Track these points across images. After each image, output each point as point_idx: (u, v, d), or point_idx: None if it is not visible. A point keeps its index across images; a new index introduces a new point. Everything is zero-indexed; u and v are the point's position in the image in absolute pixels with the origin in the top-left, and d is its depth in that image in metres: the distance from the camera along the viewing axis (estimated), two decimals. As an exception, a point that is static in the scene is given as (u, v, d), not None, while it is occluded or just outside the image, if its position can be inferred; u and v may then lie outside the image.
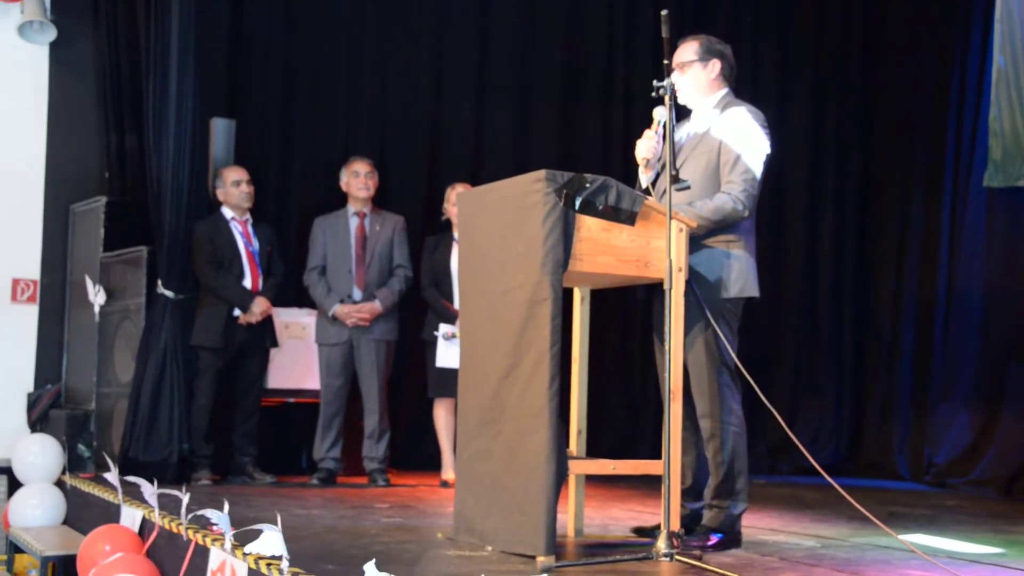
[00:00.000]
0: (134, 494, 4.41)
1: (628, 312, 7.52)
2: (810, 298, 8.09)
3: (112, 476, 4.57)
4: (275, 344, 6.12)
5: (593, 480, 5.70)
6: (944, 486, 6.92)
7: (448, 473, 5.94)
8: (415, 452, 6.93)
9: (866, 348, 8.04)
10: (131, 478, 4.27)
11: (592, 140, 7.72)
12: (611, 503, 5.29)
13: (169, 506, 4.05)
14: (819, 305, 8.09)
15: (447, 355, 5.84)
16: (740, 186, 3.75)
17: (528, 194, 3.43)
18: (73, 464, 5.91)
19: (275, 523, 2.96)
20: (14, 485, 5.81)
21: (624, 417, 7.70)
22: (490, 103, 7.57)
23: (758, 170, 3.79)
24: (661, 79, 3.53)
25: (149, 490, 4.07)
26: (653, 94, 3.46)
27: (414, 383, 6.67)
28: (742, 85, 7.58)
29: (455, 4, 7.46)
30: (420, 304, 6.24)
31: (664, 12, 3.36)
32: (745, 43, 7.97)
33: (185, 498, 3.79)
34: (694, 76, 4.00)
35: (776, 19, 8.11)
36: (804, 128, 8.10)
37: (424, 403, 6.31)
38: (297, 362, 6.40)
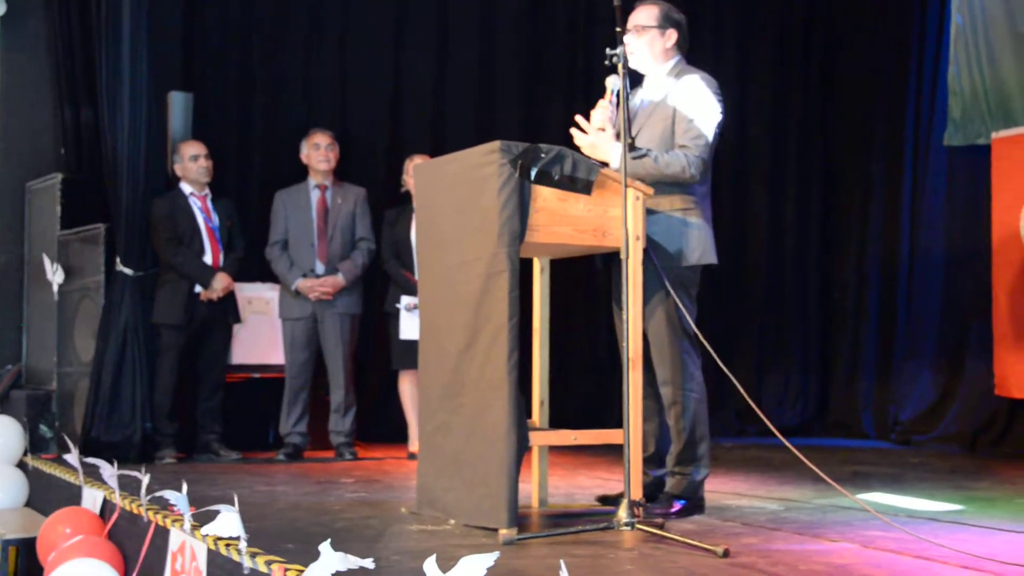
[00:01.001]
0: (95, 475, 4.37)
1: (593, 279, 7.50)
2: (775, 260, 8.12)
3: (73, 457, 4.52)
4: (238, 320, 6.07)
5: (560, 448, 5.71)
6: (909, 443, 6.99)
7: (414, 445, 5.93)
8: (382, 424, 6.90)
9: (831, 308, 8.09)
10: (91, 459, 4.23)
11: (555, 111, 7.61)
12: (578, 471, 5.30)
13: (130, 486, 4.02)
14: (784, 267, 8.13)
15: (410, 327, 5.81)
16: (693, 149, 3.74)
17: (483, 165, 3.40)
18: (35, 445, 5.86)
19: (234, 502, 2.93)
20: (-25, 468, 5.75)
21: (592, 385, 7.71)
22: (451, 74, 7.49)
23: (710, 134, 3.79)
24: (615, 47, 3.49)
25: (109, 471, 4.03)
26: (606, 62, 3.43)
27: (379, 356, 6.63)
28: (703, 48, 7.57)
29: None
30: (384, 276, 6.20)
31: (615, -21, 3.33)
32: (707, 4, 7.93)
33: (145, 479, 3.75)
34: (650, 42, 3.97)
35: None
36: (765, 92, 8.09)
37: (390, 375, 6.28)
38: (261, 337, 6.35)
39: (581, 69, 7.72)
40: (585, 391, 7.66)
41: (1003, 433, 6.52)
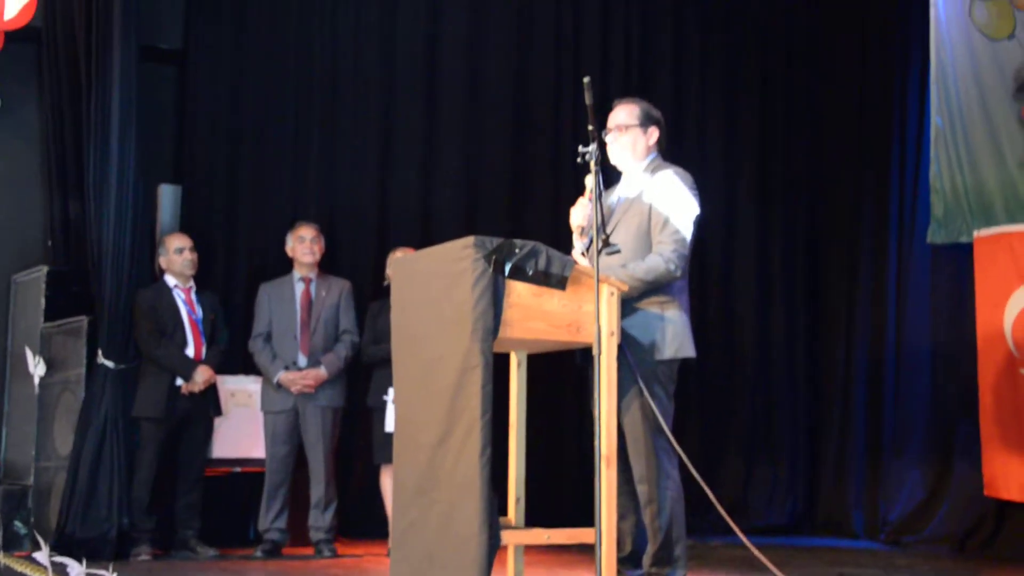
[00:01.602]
0: (64, 574, 4.27)
1: (581, 373, 7.46)
2: (763, 357, 8.08)
3: (42, 555, 4.43)
4: (219, 413, 6.02)
5: (541, 546, 5.61)
6: (898, 544, 6.88)
7: (395, 542, 5.84)
8: (365, 520, 6.79)
9: (819, 406, 8.03)
10: (58, 558, 4.14)
11: (542, 204, 7.66)
12: (557, 570, 5.20)
13: (99, 585, 3.93)
14: (772, 363, 8.09)
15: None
16: (671, 247, 3.76)
17: (458, 260, 3.42)
18: (8, 542, 5.75)
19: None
20: (-53, 566, 5.64)
21: (580, 480, 7.60)
22: (438, 168, 7.54)
23: (687, 231, 3.81)
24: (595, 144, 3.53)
25: (77, 570, 3.94)
26: (578, 159, 3.47)
27: (363, 450, 6.57)
28: (689, 149, 7.64)
29: (403, 70, 7.47)
30: (367, 370, 6.16)
31: (586, 79, 3.39)
32: (692, 103, 8.04)
33: (112, 578, 3.67)
34: (632, 140, 4.03)
35: (722, 83, 8.18)
36: (752, 190, 8.13)
37: (374, 470, 6.20)
38: (243, 430, 6.28)
39: (568, 162, 7.77)
40: (577, 485, 7.55)
41: (992, 535, 6.42)
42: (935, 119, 6.70)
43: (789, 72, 8.27)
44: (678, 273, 3.77)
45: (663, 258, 3.74)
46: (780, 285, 8.15)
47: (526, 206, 7.66)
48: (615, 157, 4.03)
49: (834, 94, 8.08)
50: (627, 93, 7.80)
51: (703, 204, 3.96)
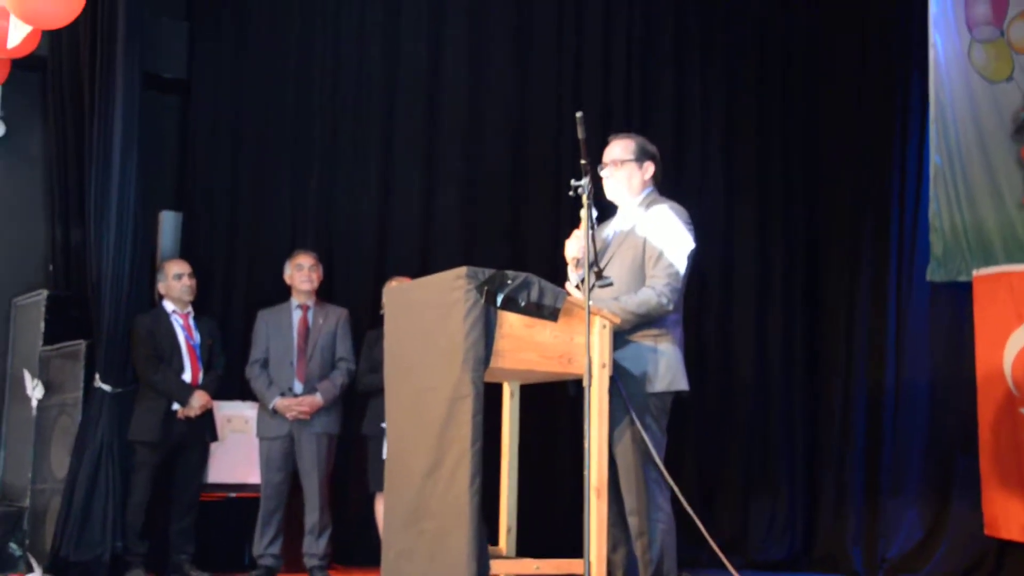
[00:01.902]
0: (55, 596, 4.28)
1: (579, 404, 7.43)
2: (761, 391, 8.05)
3: (34, 578, 4.45)
4: (215, 438, 6.03)
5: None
6: (897, 582, 6.85)
7: (389, 571, 5.82)
8: (359, 547, 6.77)
9: (818, 440, 7.99)
10: (50, 580, 4.16)
11: (540, 236, 7.67)
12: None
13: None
14: (770, 397, 8.06)
15: (392, 449, 5.75)
16: (664, 280, 3.77)
17: (450, 291, 3.44)
18: (3, 564, 5.75)
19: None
20: (-59, 587, 5.65)
21: (573, 511, 7.56)
22: (439, 197, 7.56)
23: (681, 265, 3.83)
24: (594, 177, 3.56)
25: (66, 593, 3.95)
26: (571, 192, 3.50)
27: (358, 477, 6.56)
28: (691, 183, 7.64)
29: (402, 98, 7.50)
30: (363, 397, 6.16)
31: (579, 114, 3.42)
32: (693, 140, 8.04)
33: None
34: (628, 175, 4.05)
35: (723, 120, 8.17)
36: (751, 225, 8.12)
37: (370, 496, 6.19)
38: (239, 456, 6.28)
39: (566, 191, 7.77)
40: (570, 516, 7.50)
41: (992, 575, 6.39)
42: (934, 158, 6.73)
43: (786, 109, 8.28)
44: (670, 307, 3.78)
45: (655, 291, 3.75)
46: (779, 319, 8.13)
47: (525, 230, 7.63)
48: (611, 192, 4.06)
49: (836, 131, 8.08)
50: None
51: (699, 236, 3.98)
